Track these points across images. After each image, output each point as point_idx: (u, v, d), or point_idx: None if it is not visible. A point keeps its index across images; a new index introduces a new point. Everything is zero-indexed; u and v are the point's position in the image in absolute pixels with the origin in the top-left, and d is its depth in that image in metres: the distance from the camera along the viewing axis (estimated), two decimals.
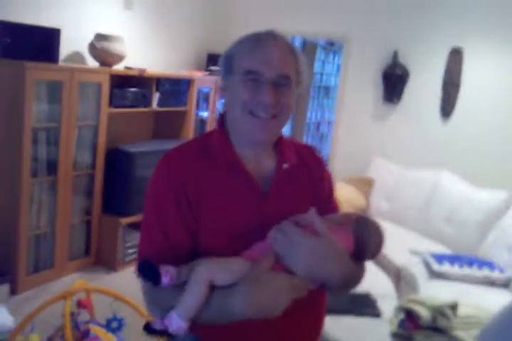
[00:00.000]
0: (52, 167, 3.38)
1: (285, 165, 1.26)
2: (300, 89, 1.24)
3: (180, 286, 1.09)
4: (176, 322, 1.06)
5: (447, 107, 4.42)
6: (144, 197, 1.24)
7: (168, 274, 1.08)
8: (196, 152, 1.24)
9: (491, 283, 3.14)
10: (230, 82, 1.21)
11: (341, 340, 2.31)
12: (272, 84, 1.15)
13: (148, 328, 1.09)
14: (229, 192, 1.21)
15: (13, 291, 3.30)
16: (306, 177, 1.30)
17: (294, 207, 1.21)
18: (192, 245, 1.19)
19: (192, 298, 1.06)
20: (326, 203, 1.32)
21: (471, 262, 3.25)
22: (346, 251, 1.13)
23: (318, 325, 1.34)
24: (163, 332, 1.07)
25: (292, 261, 1.08)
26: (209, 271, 1.07)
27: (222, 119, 1.29)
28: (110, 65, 3.74)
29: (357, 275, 1.22)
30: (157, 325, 1.08)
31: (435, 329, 2.30)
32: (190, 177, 1.19)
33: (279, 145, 1.29)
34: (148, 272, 1.09)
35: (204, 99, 4.74)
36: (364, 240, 1.17)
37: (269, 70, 1.15)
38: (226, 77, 1.22)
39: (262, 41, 1.17)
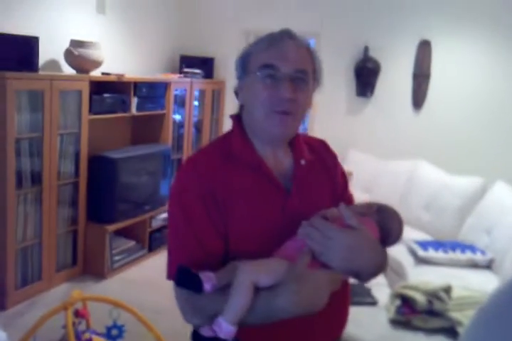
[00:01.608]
0: (36, 177, 3.34)
1: (303, 162, 1.28)
2: (316, 87, 1.27)
3: (219, 291, 1.08)
4: (225, 327, 1.05)
5: (418, 98, 4.55)
6: (169, 202, 1.24)
7: (210, 280, 1.07)
8: (219, 155, 1.24)
9: (474, 265, 3.25)
10: (247, 82, 1.22)
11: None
12: (290, 79, 1.16)
13: (197, 336, 1.08)
14: (255, 193, 1.22)
15: (2, 306, 3.24)
16: (322, 172, 1.33)
17: (316, 202, 1.23)
18: (223, 248, 1.20)
19: (239, 302, 1.05)
20: (341, 196, 1.35)
21: (453, 246, 3.35)
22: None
23: (345, 313, 1.38)
24: (212, 340, 1.07)
25: (329, 256, 1.09)
26: (252, 273, 1.07)
27: (238, 120, 1.29)
28: (87, 72, 3.71)
29: (386, 262, 1.24)
30: (206, 332, 1.08)
31: (431, 312, 2.38)
32: (217, 181, 1.19)
33: (294, 141, 1.31)
34: (187, 280, 1.07)
35: (177, 102, 4.73)
36: (388, 228, 1.22)
37: (285, 65, 1.16)
38: (242, 78, 1.24)
39: (277, 38, 1.19)
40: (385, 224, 1.21)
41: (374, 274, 1.19)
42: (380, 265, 1.16)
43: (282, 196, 1.24)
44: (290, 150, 1.31)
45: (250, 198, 1.21)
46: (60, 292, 3.51)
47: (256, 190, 1.22)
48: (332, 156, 1.39)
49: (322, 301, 1.06)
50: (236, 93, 1.28)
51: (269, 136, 1.24)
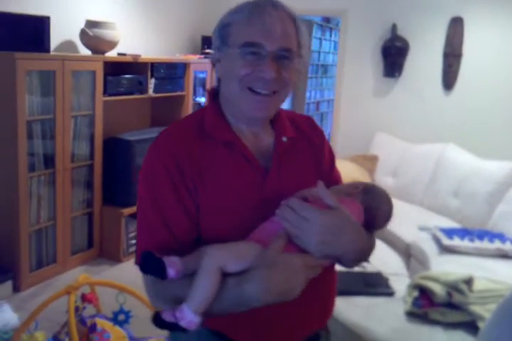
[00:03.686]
0: (49, 160, 3.32)
1: (284, 139, 1.19)
2: (301, 64, 1.16)
3: (187, 277, 1.01)
4: (188, 316, 0.98)
5: (449, 79, 4.36)
6: (138, 181, 1.16)
7: (174, 266, 0.99)
8: (191, 132, 1.15)
9: (503, 255, 3.09)
10: (226, 55, 1.12)
11: (355, 322, 2.26)
12: (274, 58, 1.07)
13: (158, 320, 0.99)
14: (229, 171, 1.13)
15: (17, 288, 3.25)
16: (307, 150, 1.24)
17: (298, 182, 1.15)
18: (194, 232, 1.11)
19: (203, 290, 0.98)
20: (328, 175, 1.26)
21: (481, 235, 3.19)
22: (359, 222, 1.08)
23: (330, 302, 1.28)
24: (174, 325, 0.98)
25: (305, 239, 1.01)
26: (218, 259, 0.99)
27: (213, 94, 1.20)
28: (103, 53, 3.65)
29: (371, 247, 1.17)
30: (167, 317, 0.99)
31: (451, 305, 2.25)
32: (187, 159, 1.10)
33: (276, 118, 1.22)
34: (151, 265, 1.00)
35: (200, 84, 4.65)
36: (374, 209, 1.13)
37: (270, 43, 1.06)
38: (220, 49, 1.13)
39: (260, 9, 1.08)
40: (372, 205, 1.13)
41: (357, 260, 1.11)
42: (363, 250, 1.07)
43: (260, 175, 1.15)
44: (271, 128, 1.22)
45: (224, 177, 1.12)
46: (75, 275, 3.47)
47: (230, 169, 1.13)
48: (318, 133, 1.29)
49: (296, 289, 0.98)
50: (213, 64, 1.17)
51: (247, 116, 1.15)
